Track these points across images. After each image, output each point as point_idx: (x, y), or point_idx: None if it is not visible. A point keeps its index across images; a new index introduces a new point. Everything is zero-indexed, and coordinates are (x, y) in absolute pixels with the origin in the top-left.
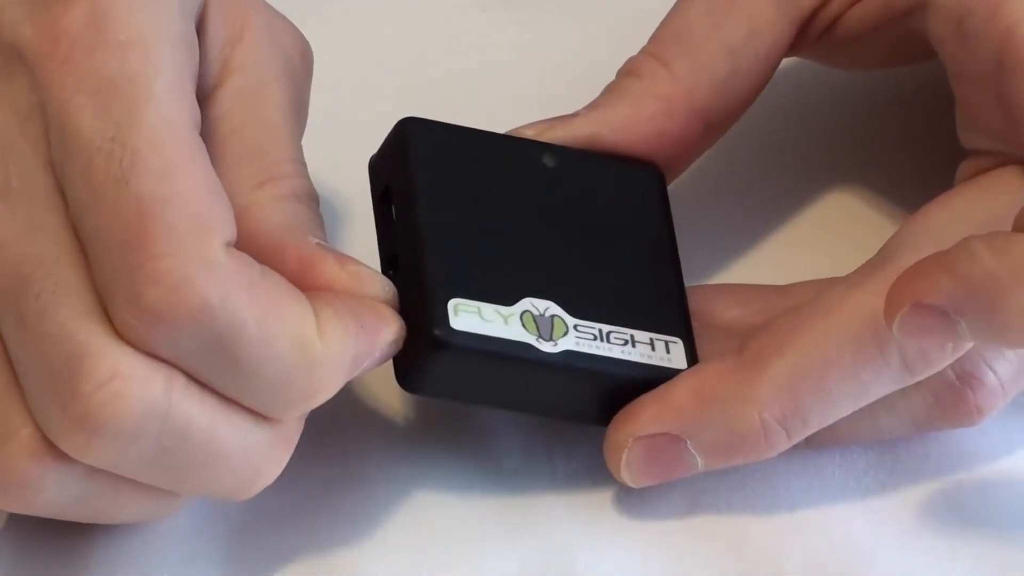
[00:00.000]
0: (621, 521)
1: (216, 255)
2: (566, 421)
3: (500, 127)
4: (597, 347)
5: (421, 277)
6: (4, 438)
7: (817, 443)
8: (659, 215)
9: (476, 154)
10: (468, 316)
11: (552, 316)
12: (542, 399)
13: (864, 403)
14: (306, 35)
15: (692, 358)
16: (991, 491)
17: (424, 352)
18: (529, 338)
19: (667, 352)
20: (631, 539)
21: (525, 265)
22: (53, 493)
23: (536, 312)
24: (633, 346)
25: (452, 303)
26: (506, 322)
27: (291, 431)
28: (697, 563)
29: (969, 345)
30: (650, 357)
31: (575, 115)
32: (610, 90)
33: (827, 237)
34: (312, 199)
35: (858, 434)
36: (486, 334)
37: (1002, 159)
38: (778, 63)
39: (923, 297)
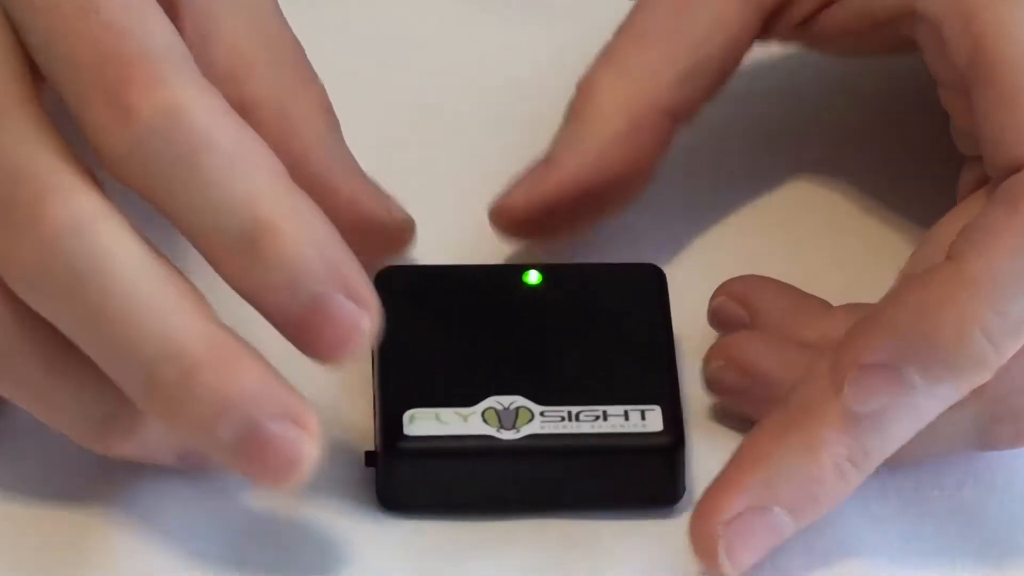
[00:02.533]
0: (622, 522)
1: (192, 74)
2: (572, 511)
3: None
4: (564, 427)
5: (378, 401)
6: None
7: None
8: (653, 309)
9: (455, 288)
10: (424, 422)
11: (517, 407)
12: (528, 492)
13: (924, 422)
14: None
15: (671, 422)
16: (991, 491)
17: (384, 464)
18: (488, 430)
19: (642, 419)
20: (632, 540)
21: (494, 370)
22: None
23: (500, 407)
24: (605, 420)
25: (408, 414)
26: (465, 420)
27: None
28: (698, 564)
29: None
30: (623, 427)
31: (549, 165)
32: (572, 119)
33: (808, 235)
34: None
35: (917, 453)
36: (440, 434)
37: None
38: (744, 52)
39: (865, 358)
